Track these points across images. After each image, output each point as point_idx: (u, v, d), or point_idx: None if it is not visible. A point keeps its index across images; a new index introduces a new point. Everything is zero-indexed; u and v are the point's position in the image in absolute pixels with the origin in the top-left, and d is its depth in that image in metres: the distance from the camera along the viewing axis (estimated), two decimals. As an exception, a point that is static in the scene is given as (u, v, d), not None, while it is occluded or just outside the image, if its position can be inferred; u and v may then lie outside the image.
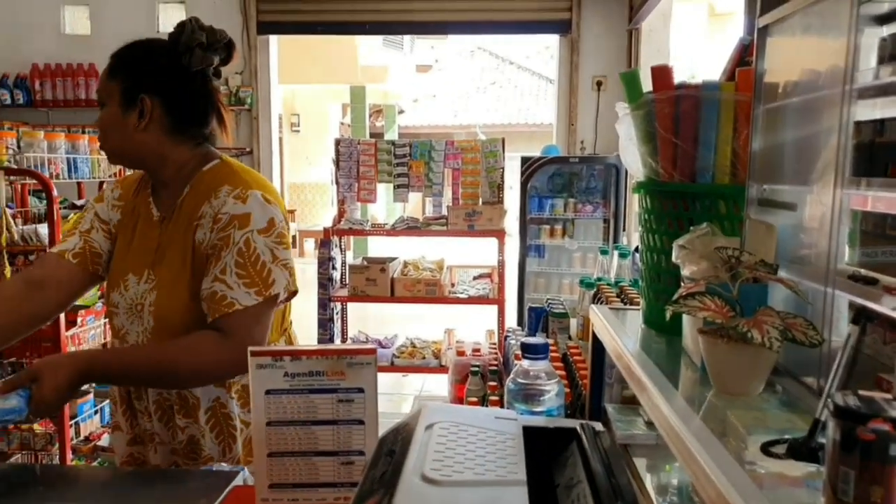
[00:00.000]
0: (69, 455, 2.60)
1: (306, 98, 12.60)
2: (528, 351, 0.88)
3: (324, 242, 4.47)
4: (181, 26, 1.37)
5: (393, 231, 4.49)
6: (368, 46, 10.74)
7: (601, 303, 1.87)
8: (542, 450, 0.71)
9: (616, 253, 2.28)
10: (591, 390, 1.50)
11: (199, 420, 1.31)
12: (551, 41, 8.04)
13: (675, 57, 4.95)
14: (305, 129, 13.01)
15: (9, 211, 2.55)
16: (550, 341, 2.06)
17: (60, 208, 2.67)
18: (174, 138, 1.38)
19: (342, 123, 14.10)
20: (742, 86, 1.09)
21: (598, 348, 1.44)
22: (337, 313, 4.58)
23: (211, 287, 1.27)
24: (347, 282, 4.45)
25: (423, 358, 4.49)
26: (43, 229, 2.57)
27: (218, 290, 1.26)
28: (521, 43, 17.46)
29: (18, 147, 2.67)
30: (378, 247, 9.72)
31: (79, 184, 3.63)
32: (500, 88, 17.13)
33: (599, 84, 5.21)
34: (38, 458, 2.63)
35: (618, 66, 5.18)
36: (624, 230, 4.89)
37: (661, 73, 1.11)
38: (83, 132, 5.12)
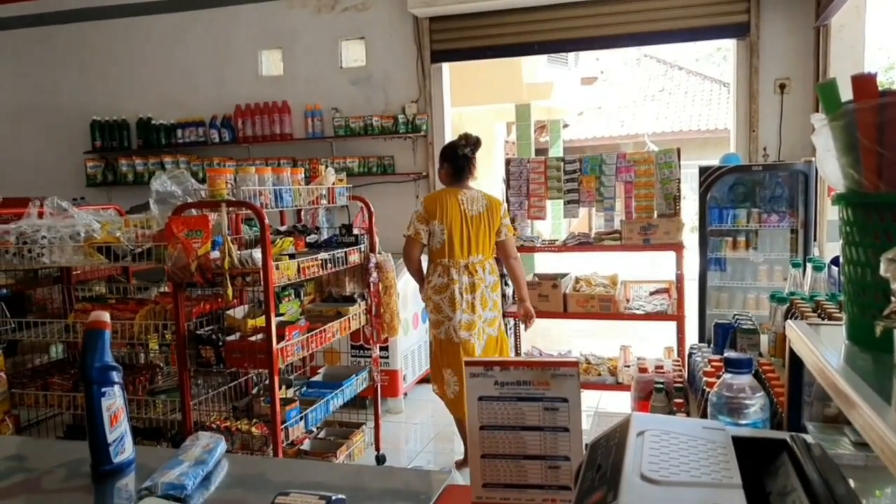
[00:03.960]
0: (280, 456, 2.90)
1: (472, 119, 12.93)
2: (732, 365, 0.90)
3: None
4: (459, 139, 3.84)
5: (565, 247, 4.52)
6: (533, 64, 10.85)
7: (796, 318, 1.79)
8: (751, 459, 0.73)
9: (810, 266, 2.16)
10: (789, 408, 1.45)
11: None
12: (724, 42, 7.64)
13: (870, 51, 4.54)
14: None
15: (229, 238, 2.92)
16: (740, 358, 1.99)
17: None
18: (450, 179, 3.82)
19: (507, 141, 14.31)
20: (958, 88, 1.02)
21: (796, 365, 1.40)
22: (510, 328, 4.69)
23: None
24: (520, 298, 4.53)
25: (599, 374, 4.46)
26: (257, 253, 2.90)
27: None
28: (690, 47, 16.78)
29: (235, 181, 3.04)
30: (544, 263, 9.73)
31: (281, 212, 4.05)
32: (669, 95, 16.56)
33: (783, 87, 4.90)
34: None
35: (803, 67, 4.84)
36: (815, 241, 4.54)
37: (863, 83, 1.08)
38: (279, 164, 5.71)
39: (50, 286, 3.77)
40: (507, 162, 4.76)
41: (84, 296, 3.74)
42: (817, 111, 4.64)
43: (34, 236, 3.11)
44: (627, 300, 4.47)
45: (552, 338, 7.29)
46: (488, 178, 13.43)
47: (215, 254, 2.88)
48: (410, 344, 5.25)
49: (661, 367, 2.48)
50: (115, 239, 3.13)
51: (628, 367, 4.29)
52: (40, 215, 3.22)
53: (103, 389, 1.28)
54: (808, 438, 0.73)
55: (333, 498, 0.97)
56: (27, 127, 6.80)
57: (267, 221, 2.87)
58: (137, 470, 1.32)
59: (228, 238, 2.89)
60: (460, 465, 3.83)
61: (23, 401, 3.31)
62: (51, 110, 6.71)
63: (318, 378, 3.79)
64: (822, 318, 1.70)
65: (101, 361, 1.28)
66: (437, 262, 3.73)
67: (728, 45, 5.37)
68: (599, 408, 5.04)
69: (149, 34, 6.41)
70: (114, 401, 1.29)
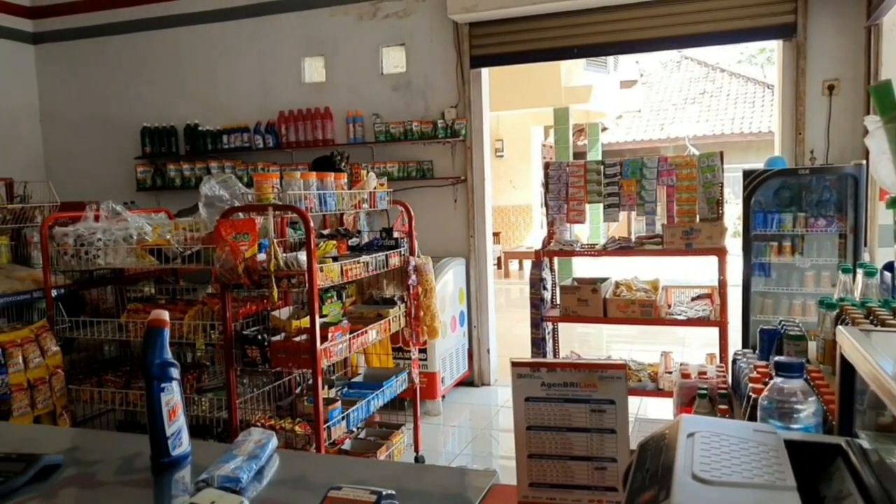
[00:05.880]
0: (323, 454, 2.95)
1: (509, 123, 12.95)
2: (783, 369, 0.89)
3: (535, 263, 4.60)
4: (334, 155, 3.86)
5: (605, 251, 4.48)
6: (571, 68, 10.81)
7: (847, 324, 1.76)
8: (804, 463, 0.73)
9: (861, 271, 2.12)
10: (840, 415, 1.43)
11: None
12: (768, 43, 7.48)
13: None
14: (509, 154, 13.38)
15: (275, 241, 2.98)
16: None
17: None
18: None
19: (544, 145, 14.27)
20: None
21: (847, 372, 1.37)
22: (549, 333, 4.68)
23: None
24: (559, 302, 4.53)
25: (640, 381, 4.42)
26: (301, 256, 2.96)
27: None
28: (732, 48, 16.52)
29: (281, 186, 3.11)
30: (582, 267, 9.67)
31: (324, 216, 4.12)
32: (710, 98, 16.31)
33: (831, 88, 4.79)
34: (298, 456, 3.02)
35: (853, 68, 4.73)
36: (865, 246, 4.43)
37: (918, 85, 1.06)
38: (320, 168, 5.79)
39: (103, 287, 3.89)
40: (546, 166, 4.74)
41: (134, 296, 3.85)
42: (868, 113, 4.52)
43: (90, 238, 3.22)
44: (669, 305, 4.42)
45: (591, 343, 7.24)
46: (526, 181, 13.44)
47: (262, 256, 2.95)
48: (448, 347, 5.27)
49: (705, 373, 2.45)
50: (165, 241, 3.23)
51: (669, 373, 4.24)
52: (96, 219, 3.33)
53: (162, 385, 1.33)
54: (864, 444, 0.73)
55: (384, 493, 0.99)
56: (82, 135, 7.04)
57: (312, 225, 2.93)
58: (193, 463, 1.37)
59: (275, 241, 2.95)
60: None
61: (78, 396, 3.43)
62: (103, 118, 6.93)
63: (358, 379, 3.84)
64: (875, 325, 1.67)
65: (161, 358, 1.33)
66: None
67: (773, 46, 5.27)
68: (640, 414, 4.99)
69: (196, 44, 6.57)
70: (172, 396, 1.34)
